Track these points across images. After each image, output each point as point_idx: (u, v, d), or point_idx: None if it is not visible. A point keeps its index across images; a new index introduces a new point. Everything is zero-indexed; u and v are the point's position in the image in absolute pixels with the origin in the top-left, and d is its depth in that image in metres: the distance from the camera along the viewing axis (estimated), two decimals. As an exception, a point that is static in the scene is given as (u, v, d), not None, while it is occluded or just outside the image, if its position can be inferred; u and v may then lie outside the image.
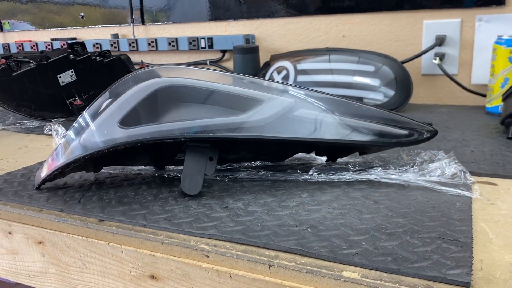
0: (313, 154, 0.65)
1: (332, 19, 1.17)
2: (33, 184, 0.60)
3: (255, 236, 0.43)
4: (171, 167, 0.64)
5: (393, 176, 0.56)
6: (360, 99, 0.98)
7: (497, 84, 0.91)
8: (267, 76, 1.12)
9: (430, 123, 0.60)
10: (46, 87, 1.01)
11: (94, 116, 0.53)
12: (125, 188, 0.57)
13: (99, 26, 1.53)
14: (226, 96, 0.54)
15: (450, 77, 1.03)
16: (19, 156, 0.76)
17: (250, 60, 1.18)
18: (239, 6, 1.27)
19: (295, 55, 1.12)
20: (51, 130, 0.72)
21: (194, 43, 1.32)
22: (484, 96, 0.99)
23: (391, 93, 0.97)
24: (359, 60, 1.02)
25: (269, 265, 0.39)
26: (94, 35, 1.55)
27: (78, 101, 1.03)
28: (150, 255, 0.45)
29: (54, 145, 0.71)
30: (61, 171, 0.55)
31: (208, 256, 0.42)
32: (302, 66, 1.08)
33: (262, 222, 0.46)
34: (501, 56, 0.90)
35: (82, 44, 1.05)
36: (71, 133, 0.54)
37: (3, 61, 0.96)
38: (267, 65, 1.16)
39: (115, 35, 1.47)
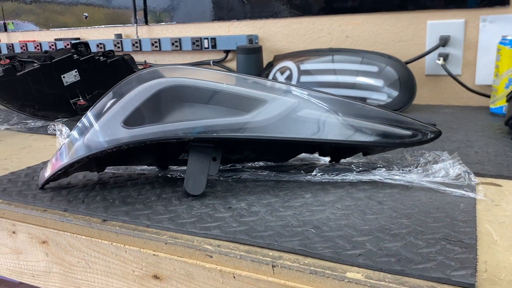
0: (316, 155, 0.65)
1: (336, 20, 1.17)
2: (37, 184, 0.60)
3: (259, 236, 0.43)
4: (174, 167, 0.64)
5: (397, 177, 0.56)
6: (363, 100, 0.98)
7: (501, 84, 0.91)
8: (270, 77, 1.12)
9: (434, 124, 0.59)
10: (50, 87, 1.01)
11: (98, 116, 0.54)
12: (128, 188, 0.58)
13: (103, 26, 1.53)
14: (230, 96, 0.54)
15: (454, 78, 1.03)
16: (23, 156, 0.76)
17: (253, 60, 1.18)
18: (242, 6, 1.27)
19: (299, 56, 1.12)
20: (55, 130, 0.72)
21: (197, 44, 1.32)
22: (488, 96, 0.98)
23: (395, 93, 0.97)
24: (362, 61, 1.02)
25: (273, 266, 0.39)
26: (98, 35, 1.56)
27: (81, 101, 1.03)
28: (154, 255, 0.45)
29: (58, 145, 0.71)
30: (65, 171, 0.55)
31: (211, 257, 0.42)
32: (305, 66, 1.08)
33: (265, 222, 0.46)
34: (505, 57, 0.90)
35: (86, 44, 1.06)
36: (75, 133, 0.55)
37: (8, 61, 0.97)
38: (270, 65, 1.16)
39: (119, 35, 1.48)
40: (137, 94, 0.53)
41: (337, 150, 0.62)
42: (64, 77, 1.02)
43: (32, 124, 1.00)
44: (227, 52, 1.32)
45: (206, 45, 1.32)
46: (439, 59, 1.04)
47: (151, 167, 0.64)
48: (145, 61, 1.24)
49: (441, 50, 1.05)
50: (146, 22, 1.44)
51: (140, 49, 1.42)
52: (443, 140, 0.74)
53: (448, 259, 0.38)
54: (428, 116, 0.96)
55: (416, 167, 0.58)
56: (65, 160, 0.54)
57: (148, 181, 0.60)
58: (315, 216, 0.47)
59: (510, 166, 0.60)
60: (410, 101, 0.98)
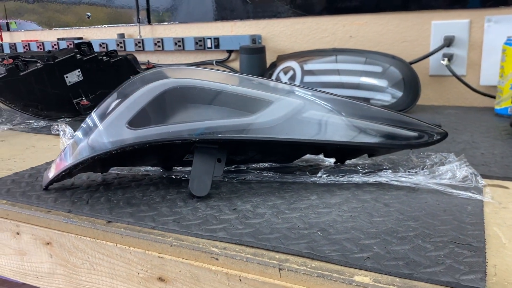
0: (321, 156, 0.65)
1: (339, 20, 1.16)
2: (41, 185, 0.60)
3: (265, 239, 0.42)
4: (179, 168, 0.64)
5: (403, 179, 0.55)
6: (367, 100, 0.97)
7: (506, 85, 0.90)
8: (273, 77, 1.12)
9: (439, 125, 0.59)
10: (53, 87, 1.01)
11: (102, 116, 0.53)
12: (132, 189, 0.57)
13: (105, 26, 1.53)
14: (235, 97, 0.54)
15: (459, 78, 1.02)
16: (26, 156, 0.76)
17: (256, 60, 1.18)
18: (246, 6, 1.27)
19: (302, 56, 1.11)
20: (59, 130, 0.72)
21: (200, 43, 1.32)
22: (493, 97, 0.98)
23: (399, 94, 0.97)
24: (366, 61, 1.01)
25: (279, 269, 0.39)
26: (100, 35, 1.56)
27: (84, 101, 1.03)
28: (159, 257, 0.45)
29: (61, 145, 0.71)
30: (69, 172, 0.55)
31: (217, 259, 0.42)
32: (309, 66, 1.07)
33: (271, 224, 0.45)
34: (511, 57, 0.89)
35: (89, 44, 1.05)
36: (79, 133, 0.54)
37: (11, 61, 0.96)
38: (274, 65, 1.15)
39: (121, 35, 1.47)
40: (142, 94, 0.53)
41: (342, 151, 0.62)
42: (67, 77, 1.02)
43: (35, 124, 1.00)
44: (230, 52, 1.31)
45: (209, 45, 1.31)
46: (443, 60, 1.04)
47: (155, 168, 0.64)
48: (148, 61, 1.24)
49: (445, 50, 1.05)
50: (149, 22, 1.44)
51: (143, 49, 1.42)
52: (448, 141, 0.74)
53: (457, 262, 0.37)
54: (432, 116, 0.95)
55: (423, 169, 0.58)
56: (69, 161, 0.54)
57: (152, 182, 0.59)
58: (321, 218, 0.47)
59: (517, 168, 0.60)
60: (414, 101, 0.98)
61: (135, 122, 0.51)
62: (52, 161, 0.68)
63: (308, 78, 1.06)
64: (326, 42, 1.19)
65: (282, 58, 1.15)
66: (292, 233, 0.43)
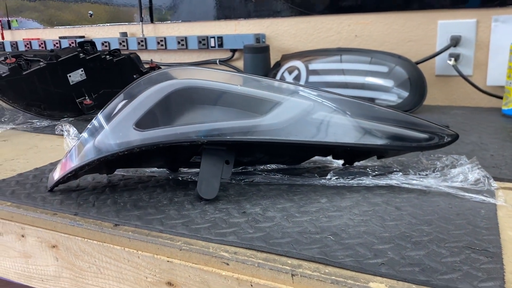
0: (329, 157, 0.64)
1: (344, 19, 1.15)
2: (46, 186, 0.59)
3: (276, 243, 0.42)
4: (185, 170, 0.63)
5: (414, 181, 0.54)
6: (372, 100, 0.96)
7: (514, 86, 0.89)
8: (278, 76, 1.11)
9: (446, 126, 0.58)
10: (56, 86, 1.00)
11: (109, 118, 0.52)
12: (139, 191, 0.56)
13: (108, 24, 1.52)
14: (244, 98, 0.53)
15: (465, 78, 1.01)
16: (30, 157, 0.75)
17: (260, 59, 1.17)
18: (249, 5, 1.26)
19: (307, 55, 1.10)
20: (63, 131, 0.71)
21: (203, 42, 1.31)
22: (500, 98, 0.97)
23: (405, 94, 0.96)
24: (371, 61, 1.00)
25: (292, 275, 0.38)
26: (103, 34, 1.55)
27: (87, 101, 1.02)
28: (168, 261, 0.44)
29: (65, 146, 0.70)
30: (75, 173, 0.54)
31: (228, 264, 0.41)
32: (313, 66, 1.06)
33: (282, 228, 0.45)
34: (518, 58, 0.88)
35: (92, 43, 1.04)
36: (85, 134, 0.53)
37: (13, 60, 0.95)
38: (278, 65, 1.15)
39: (124, 34, 1.46)
40: (149, 96, 0.52)
41: (351, 153, 0.61)
42: (70, 76, 1.01)
43: (38, 123, 0.99)
44: (233, 51, 1.30)
45: (212, 44, 1.30)
46: (450, 60, 1.03)
47: (161, 169, 0.63)
48: (151, 60, 1.23)
49: (452, 50, 1.04)
50: (152, 21, 1.43)
51: (146, 48, 1.41)
52: (456, 142, 0.72)
53: (474, 269, 0.36)
54: (439, 117, 0.94)
55: (434, 171, 0.57)
56: (75, 162, 0.53)
57: (159, 184, 0.59)
58: (332, 222, 0.46)
59: (528, 171, 0.59)
60: (420, 102, 0.97)
61: (142, 123, 0.51)
62: (56, 162, 0.67)
63: (313, 78, 1.05)
64: (331, 41, 1.18)
65: (286, 57, 1.14)
66: (303, 237, 0.43)
